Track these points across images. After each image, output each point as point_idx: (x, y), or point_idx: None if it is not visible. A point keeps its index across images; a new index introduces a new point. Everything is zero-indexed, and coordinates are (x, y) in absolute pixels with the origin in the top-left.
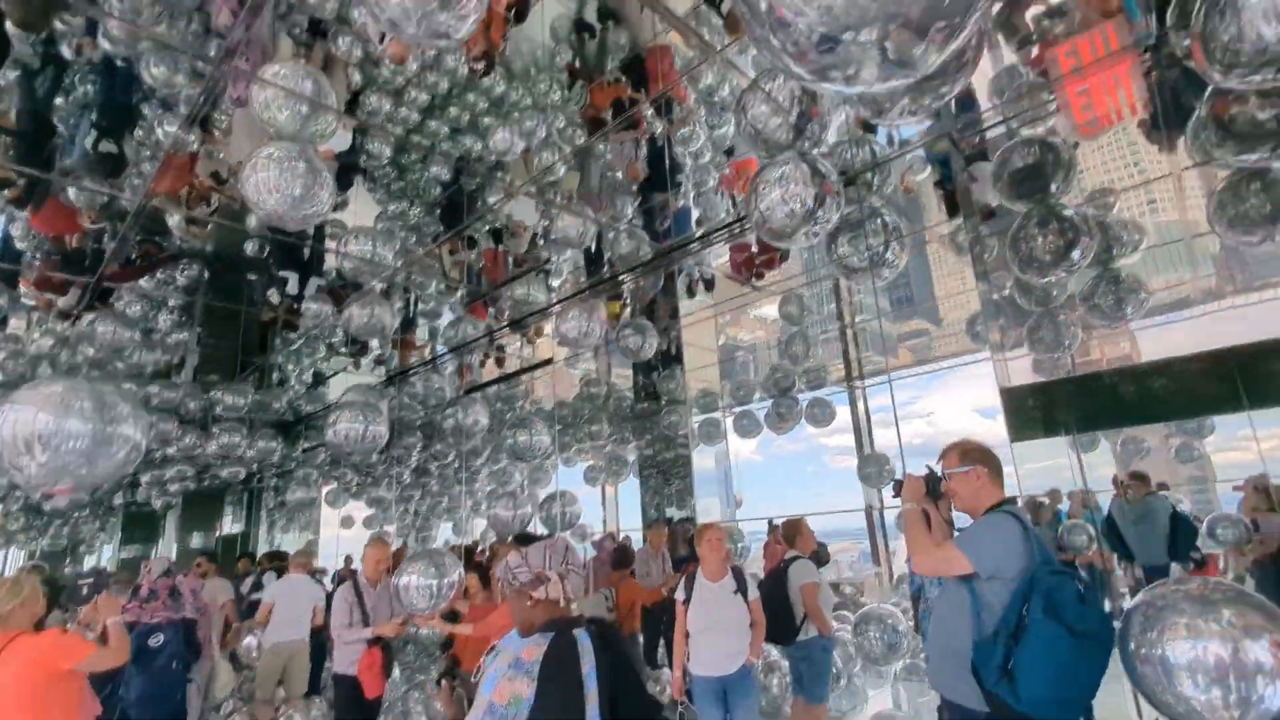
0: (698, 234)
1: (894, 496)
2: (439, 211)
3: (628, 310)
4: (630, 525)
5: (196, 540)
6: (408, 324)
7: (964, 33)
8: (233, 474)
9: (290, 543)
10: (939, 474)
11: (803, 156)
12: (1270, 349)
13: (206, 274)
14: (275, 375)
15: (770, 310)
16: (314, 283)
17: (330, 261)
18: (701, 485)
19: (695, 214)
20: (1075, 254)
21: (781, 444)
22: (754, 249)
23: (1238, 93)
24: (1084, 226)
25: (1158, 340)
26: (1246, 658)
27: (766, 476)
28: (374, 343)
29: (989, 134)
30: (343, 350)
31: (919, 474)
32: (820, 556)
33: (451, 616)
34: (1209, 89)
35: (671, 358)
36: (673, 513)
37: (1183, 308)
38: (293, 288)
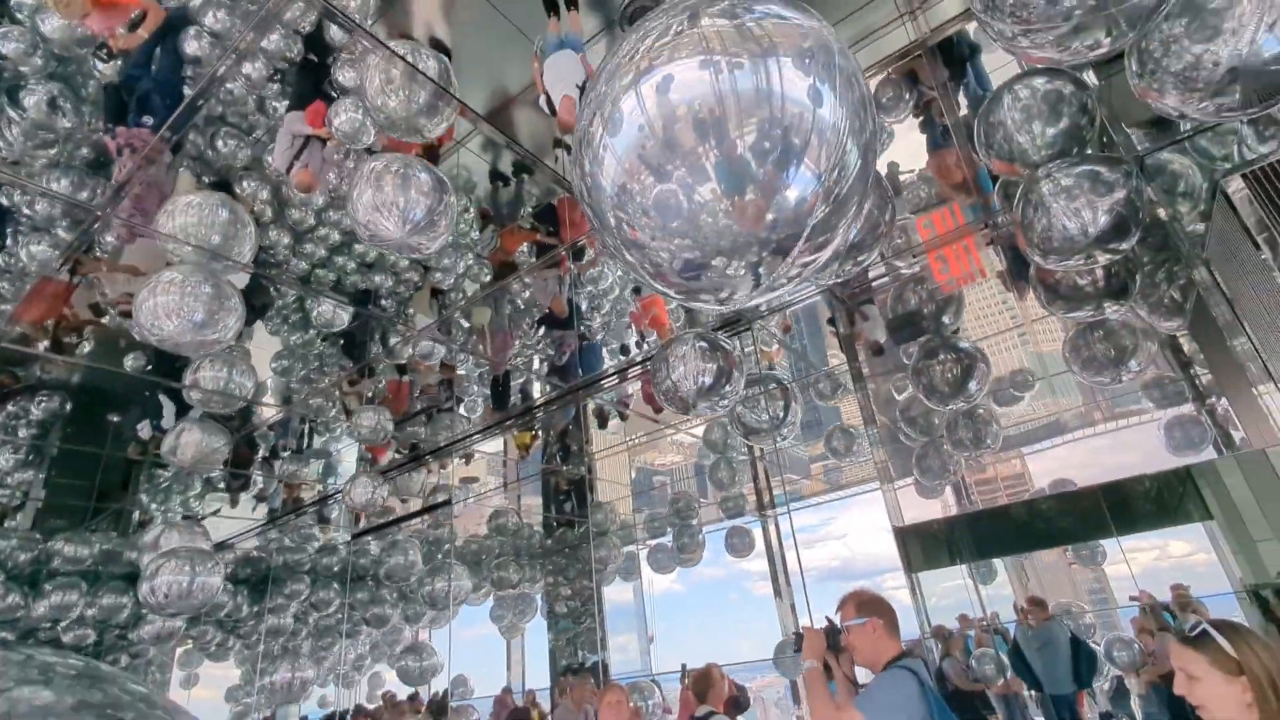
0: (609, 370)
1: (795, 652)
2: (342, 343)
3: (539, 441)
4: (538, 671)
5: None
6: (297, 458)
7: (834, 242)
8: (78, 638)
9: None
10: (838, 626)
11: (703, 337)
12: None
13: (68, 407)
14: (136, 518)
15: (687, 436)
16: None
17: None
18: (616, 621)
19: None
20: (972, 384)
21: (701, 572)
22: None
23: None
24: (979, 356)
25: (1043, 460)
26: None
27: (687, 606)
28: (256, 479)
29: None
30: (220, 486)
31: (819, 628)
32: (740, 704)
33: None
34: None
35: (585, 489)
36: (585, 655)
37: (1062, 432)
38: (169, 421)
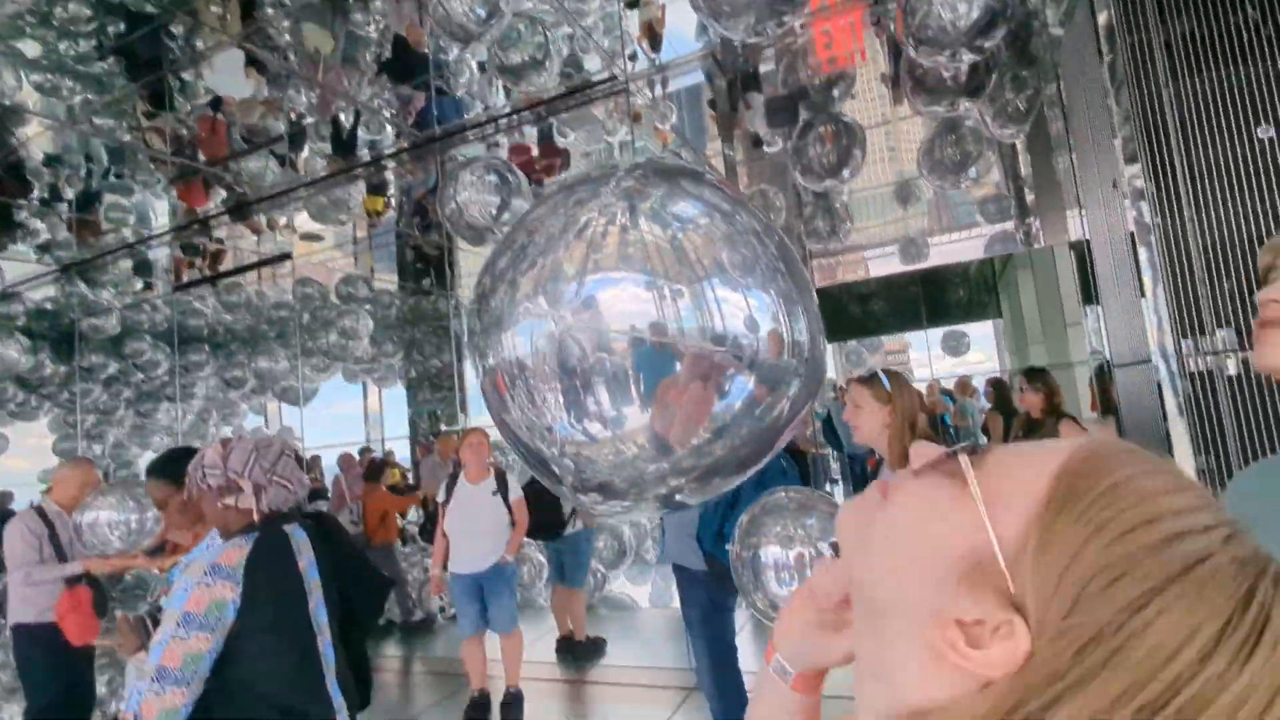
0: (468, 124)
1: None
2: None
3: (391, 209)
4: (397, 435)
5: None
6: (89, 199)
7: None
8: None
9: None
10: None
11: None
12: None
13: None
14: None
15: None
16: None
17: None
18: (478, 398)
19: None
20: (848, 169)
21: None
22: (534, 151)
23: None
24: (859, 132)
25: (884, 265)
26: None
27: None
28: (40, 224)
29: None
30: None
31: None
32: None
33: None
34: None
35: (445, 263)
36: (443, 428)
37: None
38: None
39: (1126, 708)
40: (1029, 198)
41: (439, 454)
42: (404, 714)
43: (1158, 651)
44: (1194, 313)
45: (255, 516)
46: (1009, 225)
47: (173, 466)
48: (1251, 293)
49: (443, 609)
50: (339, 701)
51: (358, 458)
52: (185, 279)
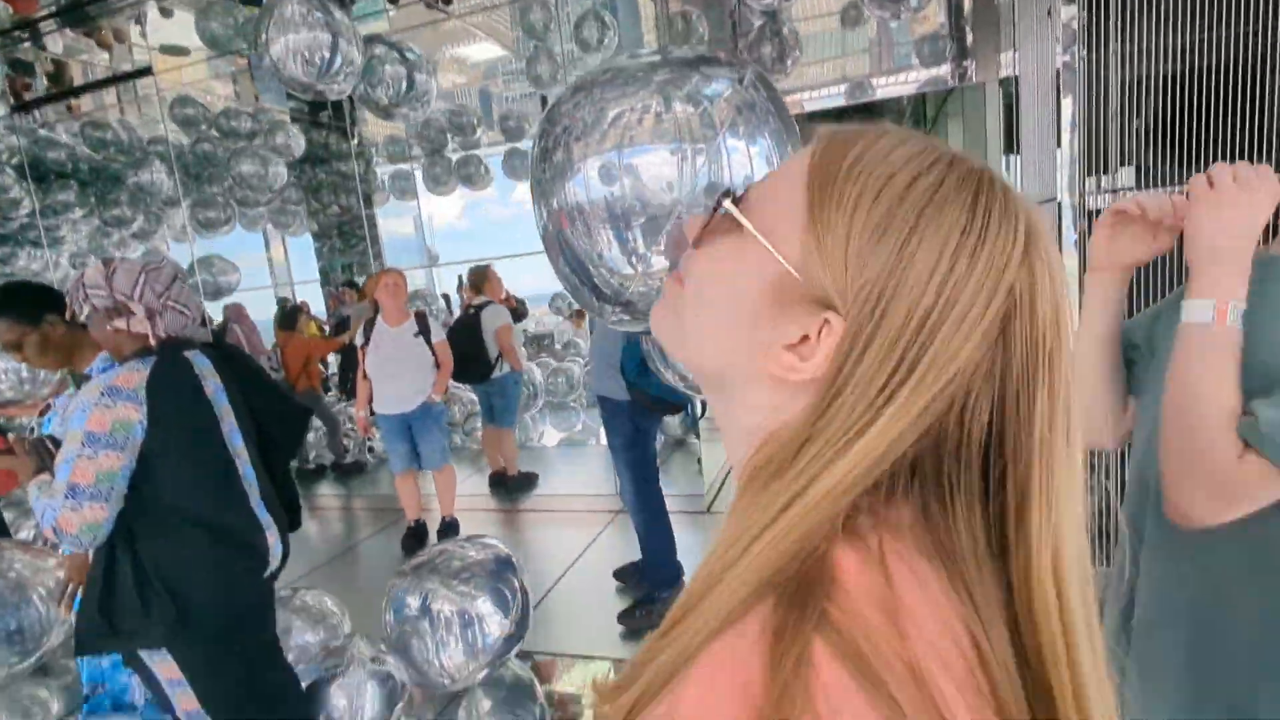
0: None
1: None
2: None
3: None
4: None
5: None
6: None
7: None
8: None
9: None
10: None
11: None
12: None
13: None
14: None
15: (473, 50)
16: None
17: None
18: (394, 251)
19: None
20: None
21: (488, 210)
22: None
23: None
24: None
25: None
26: None
27: (475, 242)
28: None
29: None
30: None
31: None
32: (519, 312)
33: None
34: None
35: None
36: (359, 279)
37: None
38: None
39: (912, 322)
40: (969, 39)
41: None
42: (343, 545)
43: (923, 272)
44: (1103, 151)
45: (151, 341)
46: (947, 67)
47: (15, 302)
48: (1163, 133)
49: (372, 449)
50: (266, 519)
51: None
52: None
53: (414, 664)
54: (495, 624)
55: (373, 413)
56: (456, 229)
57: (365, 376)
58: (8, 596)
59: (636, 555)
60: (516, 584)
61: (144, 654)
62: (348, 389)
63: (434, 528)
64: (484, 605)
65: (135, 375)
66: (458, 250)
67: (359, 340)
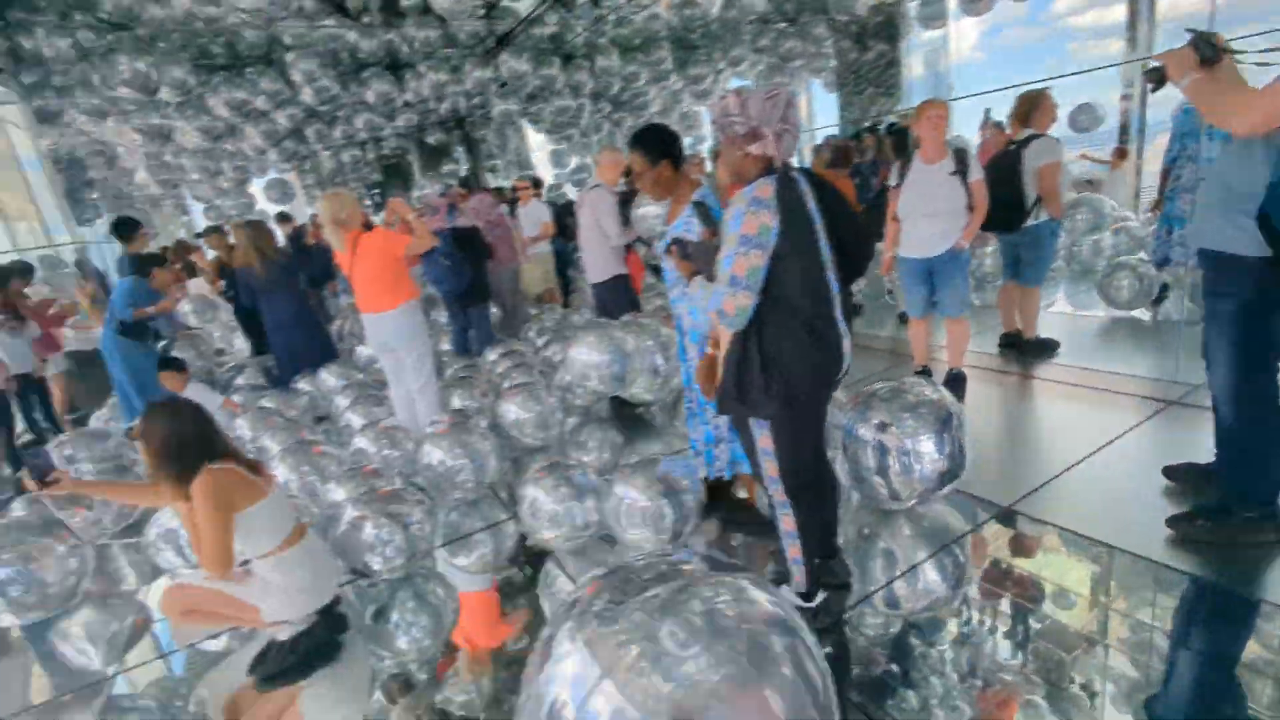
0: None
1: (1152, 88)
2: None
3: None
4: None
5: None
6: None
7: None
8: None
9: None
10: (1210, 37)
11: None
12: None
13: None
14: None
15: None
16: None
17: None
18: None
19: None
20: None
21: (1012, 34)
22: None
23: None
24: None
25: None
26: None
27: (991, 78)
28: None
29: None
30: None
31: (1182, 44)
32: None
33: None
34: None
35: None
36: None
37: None
38: None
39: None
40: None
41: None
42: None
43: None
44: None
45: (776, 162)
46: None
47: (645, 139)
48: None
49: (890, 292)
50: (843, 326)
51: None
52: None
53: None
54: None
55: (896, 256)
56: (973, 61)
57: (895, 218)
58: None
59: (1192, 455)
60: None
61: (753, 422)
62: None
63: (939, 378)
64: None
65: (769, 188)
66: (975, 85)
67: (892, 181)
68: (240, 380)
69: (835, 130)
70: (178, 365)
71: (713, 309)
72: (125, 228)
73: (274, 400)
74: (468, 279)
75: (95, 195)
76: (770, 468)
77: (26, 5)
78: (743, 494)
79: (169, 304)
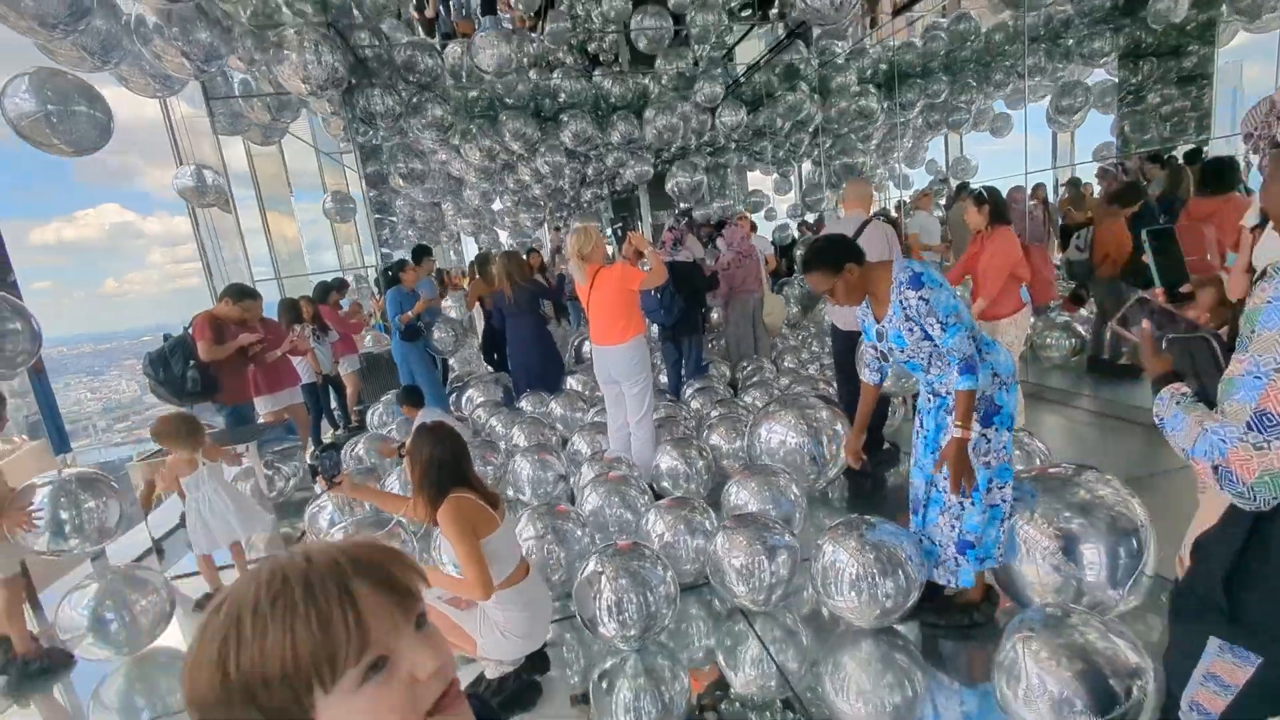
0: None
1: None
2: None
3: None
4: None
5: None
6: None
7: None
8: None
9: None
10: None
11: None
12: None
13: None
14: None
15: None
16: None
17: None
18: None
19: None
20: None
21: None
22: None
23: None
24: None
25: None
26: None
27: None
28: None
29: None
30: None
31: None
32: None
33: None
34: None
35: None
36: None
37: None
38: None
39: None
40: None
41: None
42: None
43: None
44: None
45: None
46: None
47: (822, 257)
48: None
49: None
50: None
51: None
52: None
53: None
54: None
55: None
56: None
57: (1249, 270)
58: None
59: None
60: None
61: (1219, 643)
62: None
63: None
64: None
65: None
66: None
67: (1251, 220)
68: (473, 394)
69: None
70: (415, 399)
71: (1201, 455)
72: (419, 253)
73: (503, 420)
74: (678, 312)
75: (395, 220)
76: (1210, 702)
77: (366, 71)
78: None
79: (422, 304)
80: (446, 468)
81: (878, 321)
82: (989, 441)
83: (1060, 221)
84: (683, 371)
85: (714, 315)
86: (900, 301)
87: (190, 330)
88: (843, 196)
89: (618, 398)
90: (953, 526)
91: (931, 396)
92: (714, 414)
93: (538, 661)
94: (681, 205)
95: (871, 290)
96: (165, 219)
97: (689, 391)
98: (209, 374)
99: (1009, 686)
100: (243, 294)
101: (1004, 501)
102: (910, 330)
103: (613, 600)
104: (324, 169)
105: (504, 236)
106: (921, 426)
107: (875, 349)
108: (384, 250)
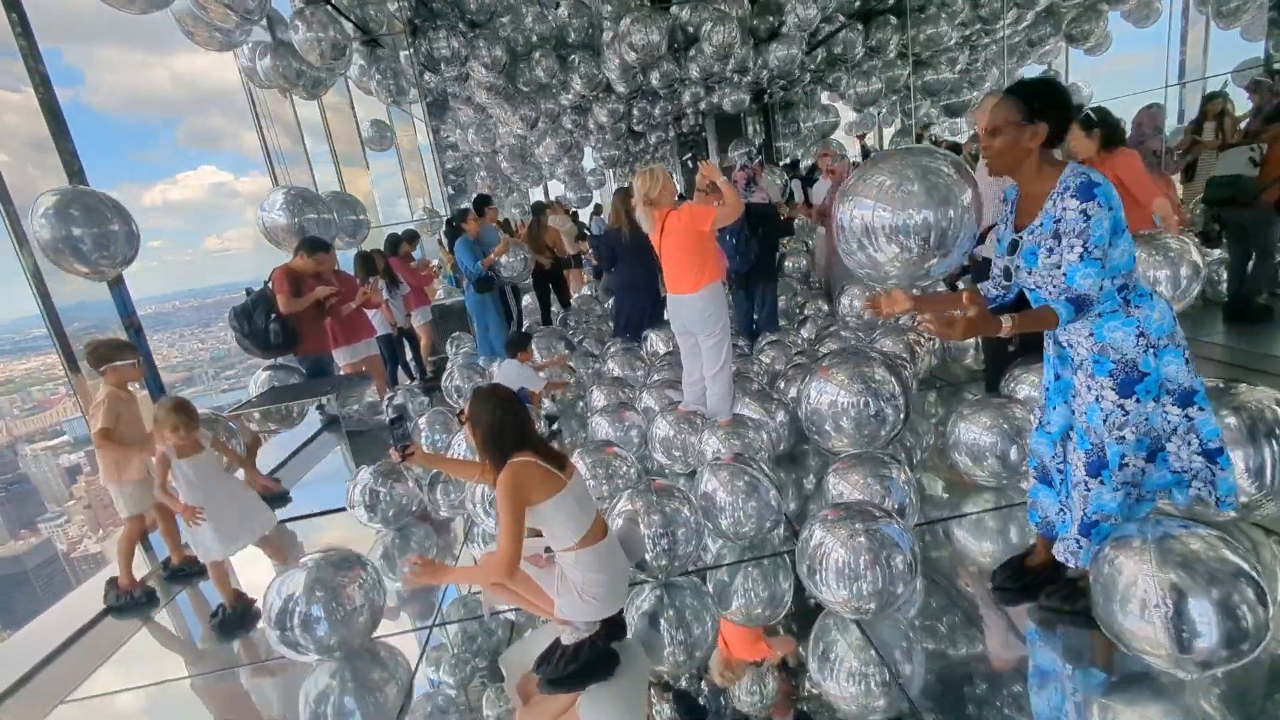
0: None
1: None
2: None
3: None
4: None
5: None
6: None
7: None
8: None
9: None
10: None
11: None
12: None
13: None
14: None
15: None
16: None
17: None
18: None
19: None
20: None
21: None
22: None
23: None
24: None
25: None
26: None
27: None
28: None
29: None
30: None
31: None
32: None
33: None
34: None
35: None
36: None
37: None
38: None
39: None
40: None
41: None
42: None
43: None
44: None
45: None
46: None
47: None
48: None
49: None
50: None
51: None
52: None
53: None
54: None
55: None
56: None
57: None
58: None
59: None
60: None
61: None
62: None
63: None
64: None
65: None
66: None
67: None
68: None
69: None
70: (523, 342)
71: None
72: (480, 203)
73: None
74: (753, 258)
75: (462, 176)
76: None
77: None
78: None
79: (502, 248)
80: (509, 431)
81: (1017, 231)
82: (1126, 414)
83: (1175, 151)
84: (755, 322)
85: (787, 262)
86: (1056, 212)
87: (270, 285)
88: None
89: (693, 349)
90: (1082, 502)
91: (1054, 345)
92: (790, 370)
93: (614, 628)
94: (757, 142)
95: (1027, 187)
96: (256, 178)
97: (762, 344)
98: (289, 327)
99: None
100: (316, 247)
101: (1135, 485)
102: (1050, 252)
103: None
104: (393, 120)
105: (559, 189)
106: (1046, 381)
107: (1001, 268)
108: (452, 202)
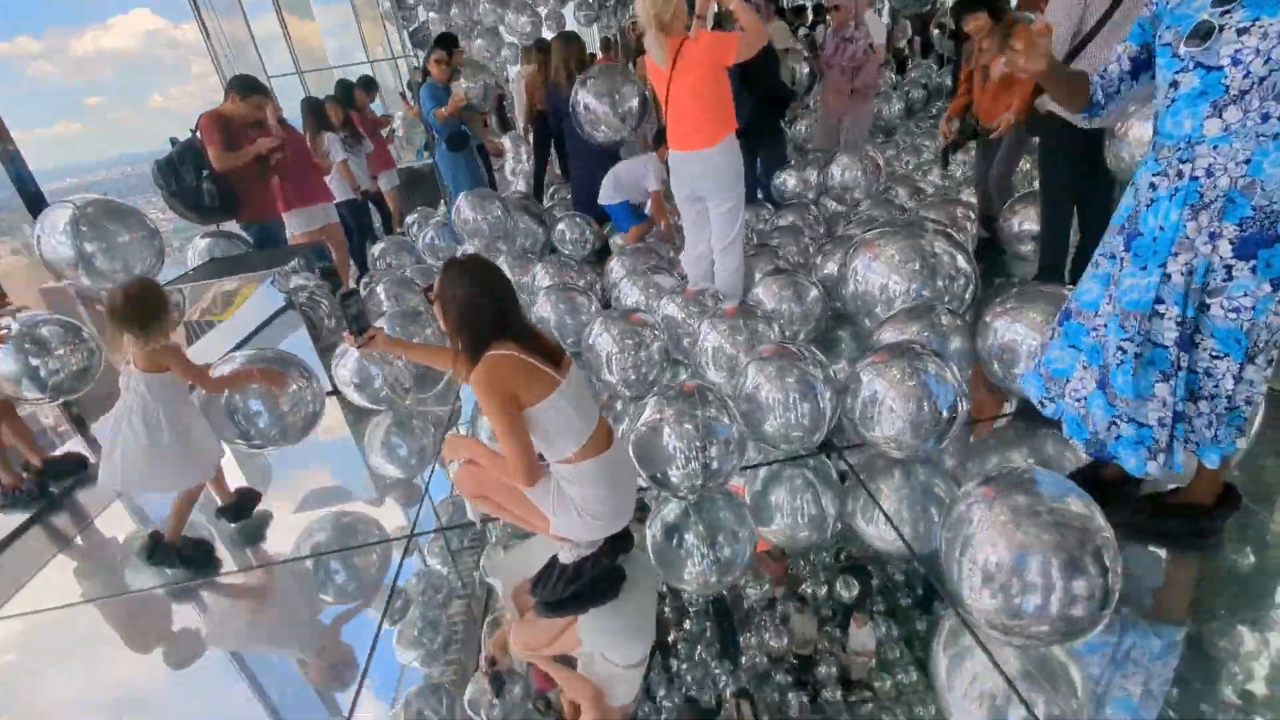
0: None
1: None
2: None
3: None
4: None
5: None
6: None
7: None
8: None
9: None
10: None
11: None
12: None
13: None
14: None
15: None
16: None
17: None
18: None
19: None
20: None
21: None
22: None
23: None
24: None
25: None
26: None
27: None
28: None
29: None
30: None
31: None
32: None
33: None
34: None
35: None
36: None
37: None
38: None
39: None
40: None
41: None
42: None
43: None
44: None
45: None
46: None
47: None
48: None
49: None
50: None
51: None
52: None
53: None
54: None
55: None
56: None
57: None
58: None
59: None
60: None
61: None
62: None
63: None
64: None
65: None
66: None
67: None
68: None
69: None
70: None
71: None
72: (446, 41)
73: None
74: (746, 112)
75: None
76: None
77: None
78: None
79: (458, 98)
80: (485, 313)
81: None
82: (1229, 279)
83: None
84: (760, 190)
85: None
86: None
87: (198, 134)
88: None
89: (699, 217)
90: (1172, 397)
91: (1173, 175)
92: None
93: (620, 542)
94: None
95: None
96: (196, 27)
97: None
98: (226, 186)
99: None
100: (250, 88)
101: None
102: None
103: None
104: None
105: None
106: (1138, 227)
107: (1128, 56)
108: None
